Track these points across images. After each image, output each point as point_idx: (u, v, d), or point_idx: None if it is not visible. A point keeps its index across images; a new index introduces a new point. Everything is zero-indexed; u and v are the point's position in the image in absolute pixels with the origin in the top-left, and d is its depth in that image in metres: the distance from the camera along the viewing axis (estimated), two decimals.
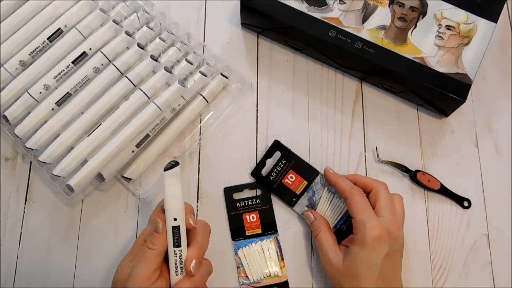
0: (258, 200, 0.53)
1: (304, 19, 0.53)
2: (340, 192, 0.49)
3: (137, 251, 0.43)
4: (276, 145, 0.54)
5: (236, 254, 0.51)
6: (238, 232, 0.52)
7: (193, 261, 0.41)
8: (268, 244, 0.51)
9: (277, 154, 0.54)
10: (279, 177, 0.53)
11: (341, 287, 0.45)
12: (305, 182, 0.53)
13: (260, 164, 0.54)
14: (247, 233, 0.52)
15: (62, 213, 0.52)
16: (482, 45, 0.53)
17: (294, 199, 0.53)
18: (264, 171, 0.54)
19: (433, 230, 0.53)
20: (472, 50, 0.53)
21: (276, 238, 0.52)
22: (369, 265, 0.44)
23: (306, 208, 0.53)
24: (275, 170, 0.54)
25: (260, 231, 0.52)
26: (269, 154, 0.54)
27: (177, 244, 0.41)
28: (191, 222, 0.43)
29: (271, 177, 0.53)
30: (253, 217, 0.52)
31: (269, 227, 0.52)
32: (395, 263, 0.46)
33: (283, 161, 0.54)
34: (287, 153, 0.54)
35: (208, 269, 0.44)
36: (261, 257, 0.51)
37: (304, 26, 0.53)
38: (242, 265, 0.51)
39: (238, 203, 0.53)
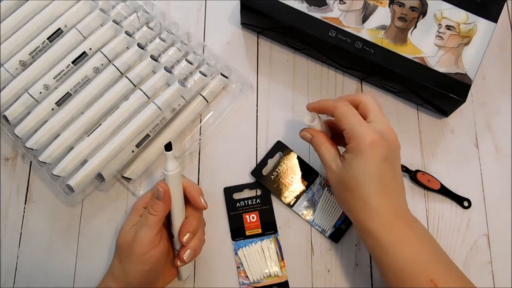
0: (258, 200, 0.53)
1: (304, 19, 0.53)
2: (325, 112, 0.47)
3: (137, 216, 0.46)
4: (279, 146, 0.54)
5: (236, 254, 0.51)
6: (238, 232, 0.52)
7: (187, 235, 0.45)
8: (268, 244, 0.51)
9: (278, 155, 0.54)
10: (280, 177, 0.53)
11: (344, 198, 0.45)
12: (305, 183, 0.53)
13: (261, 164, 0.54)
14: (247, 233, 0.52)
15: (62, 213, 0.52)
16: (482, 45, 0.53)
17: (294, 199, 0.53)
18: (265, 171, 0.54)
19: (433, 230, 0.53)
20: (472, 50, 0.53)
21: (276, 238, 0.52)
22: (368, 172, 0.43)
23: (300, 215, 0.53)
24: (276, 169, 0.54)
25: (260, 231, 0.52)
26: (271, 154, 0.54)
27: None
28: (203, 202, 0.45)
29: (272, 176, 0.53)
30: (253, 217, 0.52)
31: (269, 227, 0.52)
32: (394, 166, 0.45)
33: (284, 161, 0.54)
34: (289, 153, 0.54)
35: (200, 239, 0.46)
36: (261, 257, 0.51)
37: (304, 26, 0.53)
38: (242, 265, 0.51)
39: (238, 203, 0.53)
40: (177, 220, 0.45)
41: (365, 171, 0.43)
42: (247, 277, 0.50)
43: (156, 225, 0.43)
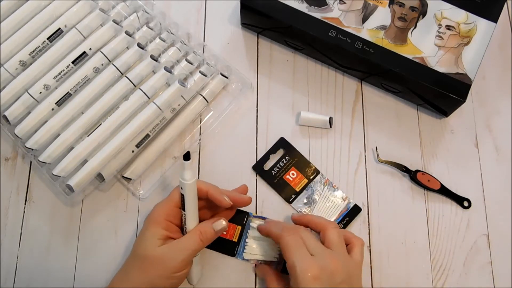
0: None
1: (304, 19, 0.53)
2: (273, 239, 0.47)
3: (160, 229, 0.46)
4: (282, 142, 0.55)
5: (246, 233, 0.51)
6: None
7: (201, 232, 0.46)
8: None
9: (280, 151, 0.55)
10: (280, 173, 0.53)
11: None
12: (306, 180, 0.53)
13: (263, 159, 0.54)
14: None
15: (62, 213, 0.52)
16: (482, 45, 0.53)
17: (293, 196, 0.53)
18: (266, 166, 0.54)
19: (433, 230, 0.53)
20: (472, 50, 0.53)
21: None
22: None
23: (298, 212, 0.53)
24: (277, 165, 0.54)
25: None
26: (273, 150, 0.54)
27: (182, 207, 0.46)
28: (227, 200, 0.47)
29: (273, 171, 0.53)
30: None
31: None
32: None
33: (286, 157, 0.54)
34: (291, 150, 0.54)
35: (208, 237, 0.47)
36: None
37: (304, 26, 0.53)
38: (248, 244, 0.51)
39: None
40: (191, 226, 0.46)
41: None
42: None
43: (199, 250, 0.45)
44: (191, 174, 0.44)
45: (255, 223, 0.51)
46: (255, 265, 0.50)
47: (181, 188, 0.45)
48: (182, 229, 0.48)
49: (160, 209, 0.47)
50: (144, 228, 0.46)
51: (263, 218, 0.52)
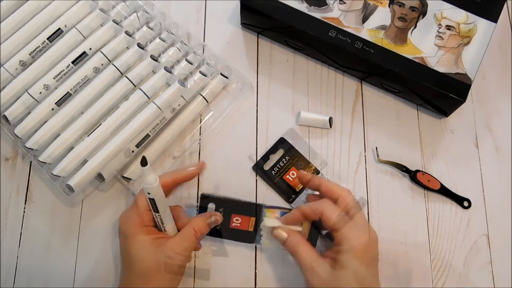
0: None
1: (304, 19, 0.53)
2: (309, 216, 0.46)
3: (150, 238, 0.46)
4: (281, 142, 0.55)
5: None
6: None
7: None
8: None
9: (280, 151, 0.55)
10: (280, 173, 0.54)
11: None
12: None
13: (263, 159, 0.54)
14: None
15: (62, 213, 0.52)
16: (482, 45, 0.53)
17: (293, 196, 0.53)
18: (266, 166, 0.54)
19: (433, 230, 0.53)
20: (472, 50, 0.53)
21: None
22: (360, 276, 0.42)
23: (304, 203, 0.53)
24: (277, 165, 0.54)
25: None
26: (273, 150, 0.54)
27: (155, 210, 0.44)
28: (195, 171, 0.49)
29: (273, 171, 0.54)
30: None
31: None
32: (376, 271, 0.45)
33: (286, 157, 0.54)
34: (291, 150, 0.54)
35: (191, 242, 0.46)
36: None
37: (304, 26, 0.53)
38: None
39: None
40: (168, 226, 0.46)
41: (357, 276, 0.42)
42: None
43: (195, 247, 0.47)
44: (154, 176, 0.42)
45: (268, 218, 0.49)
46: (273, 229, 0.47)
47: (148, 193, 0.43)
48: (156, 227, 0.47)
49: (133, 220, 0.45)
50: (127, 245, 0.45)
51: (278, 208, 0.50)
